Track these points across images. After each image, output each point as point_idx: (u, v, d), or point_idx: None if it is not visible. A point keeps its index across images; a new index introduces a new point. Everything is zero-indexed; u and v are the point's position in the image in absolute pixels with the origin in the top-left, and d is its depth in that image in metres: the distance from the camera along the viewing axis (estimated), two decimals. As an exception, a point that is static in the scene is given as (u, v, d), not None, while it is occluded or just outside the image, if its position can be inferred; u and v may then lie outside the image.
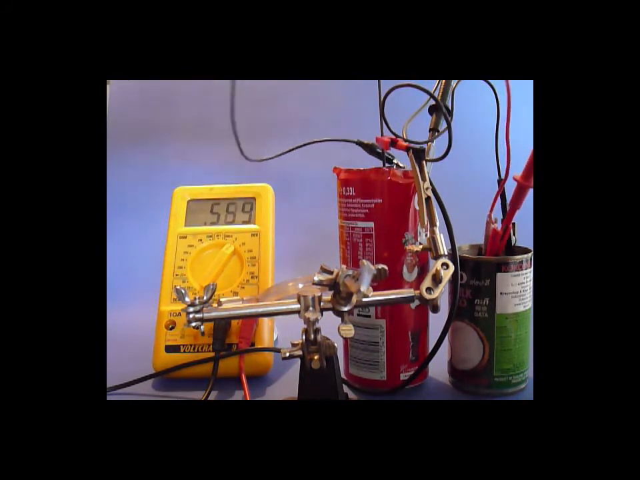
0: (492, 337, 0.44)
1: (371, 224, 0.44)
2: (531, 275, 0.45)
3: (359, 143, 0.48)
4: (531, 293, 0.45)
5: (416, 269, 0.45)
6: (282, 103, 0.93)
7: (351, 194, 0.45)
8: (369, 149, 0.48)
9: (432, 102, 0.45)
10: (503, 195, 0.46)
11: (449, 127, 0.41)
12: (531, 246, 0.45)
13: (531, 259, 0.44)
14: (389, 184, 0.43)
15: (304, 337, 0.37)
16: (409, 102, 0.42)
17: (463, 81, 0.45)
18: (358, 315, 0.45)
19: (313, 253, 0.71)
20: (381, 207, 0.43)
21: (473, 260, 0.44)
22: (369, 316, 0.45)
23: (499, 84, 0.43)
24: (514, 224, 0.46)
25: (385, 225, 0.44)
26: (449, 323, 0.43)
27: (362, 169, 0.44)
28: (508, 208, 0.44)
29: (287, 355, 0.38)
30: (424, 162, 0.42)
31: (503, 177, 0.45)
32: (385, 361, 0.45)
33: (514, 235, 0.46)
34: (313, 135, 0.90)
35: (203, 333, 0.40)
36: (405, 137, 0.43)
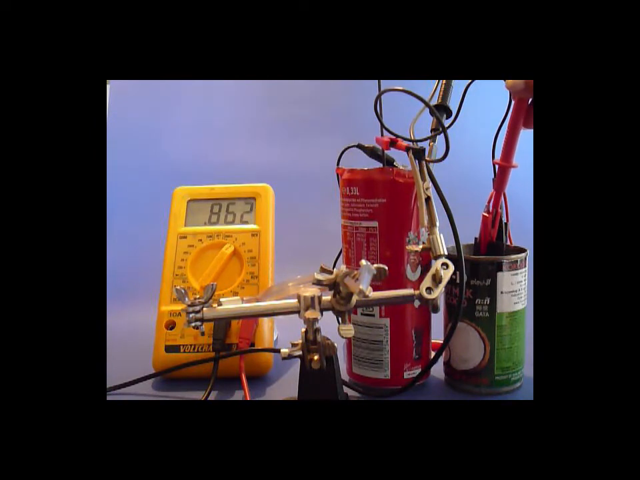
0: (493, 336, 0.44)
1: (375, 223, 0.44)
2: (527, 273, 0.45)
3: (360, 147, 0.48)
4: (526, 291, 0.45)
5: (419, 268, 0.45)
6: (281, 103, 0.93)
7: (354, 194, 0.45)
8: (370, 152, 0.47)
9: (434, 102, 0.45)
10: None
11: (443, 130, 0.41)
12: (525, 245, 0.46)
13: (526, 258, 0.45)
14: (393, 183, 0.43)
15: (304, 337, 0.37)
16: (413, 101, 0.42)
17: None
18: (362, 314, 0.45)
19: (313, 253, 0.70)
20: (385, 206, 0.43)
21: (473, 260, 0.44)
22: (373, 315, 0.45)
23: (499, 84, 0.43)
24: (506, 224, 0.46)
25: (389, 224, 0.44)
26: (455, 323, 0.43)
27: (365, 168, 0.44)
28: (494, 193, 0.45)
29: (287, 354, 0.38)
30: (423, 162, 0.42)
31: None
32: (388, 360, 0.45)
33: (507, 235, 0.46)
34: (313, 134, 0.91)
35: (202, 333, 0.40)
36: (412, 136, 0.43)
